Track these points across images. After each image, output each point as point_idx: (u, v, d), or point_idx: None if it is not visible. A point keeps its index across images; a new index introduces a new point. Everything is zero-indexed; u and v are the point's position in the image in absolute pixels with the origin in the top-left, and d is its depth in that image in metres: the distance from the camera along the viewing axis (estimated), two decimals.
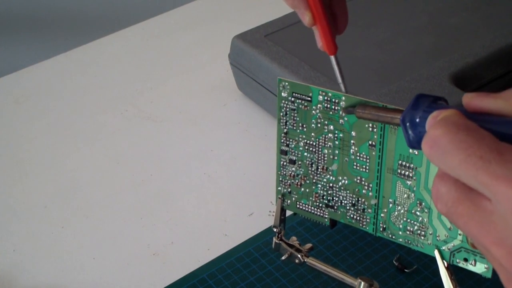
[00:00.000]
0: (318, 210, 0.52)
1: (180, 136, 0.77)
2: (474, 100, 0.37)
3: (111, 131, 0.78)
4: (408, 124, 0.39)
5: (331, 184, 0.51)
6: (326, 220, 0.52)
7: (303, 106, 0.50)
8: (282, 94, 0.51)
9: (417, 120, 0.39)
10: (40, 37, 2.02)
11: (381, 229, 0.50)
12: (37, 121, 0.80)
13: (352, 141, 0.49)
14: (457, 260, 0.46)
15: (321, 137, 0.50)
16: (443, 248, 0.47)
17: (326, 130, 0.50)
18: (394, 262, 0.61)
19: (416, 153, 0.46)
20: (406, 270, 0.61)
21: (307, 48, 0.76)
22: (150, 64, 0.88)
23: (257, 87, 0.77)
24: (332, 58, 0.52)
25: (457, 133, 0.35)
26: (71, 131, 0.79)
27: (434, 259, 0.47)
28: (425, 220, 0.47)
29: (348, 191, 0.50)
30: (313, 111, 0.50)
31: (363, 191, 0.50)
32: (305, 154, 0.51)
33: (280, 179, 0.53)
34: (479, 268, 0.46)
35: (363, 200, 0.50)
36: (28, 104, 0.83)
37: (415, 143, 0.39)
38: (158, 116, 0.80)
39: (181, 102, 0.82)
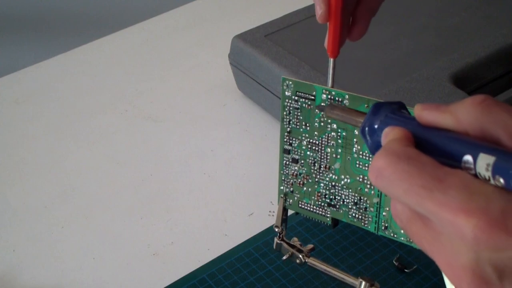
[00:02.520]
0: (320, 209, 0.52)
1: (180, 136, 0.77)
2: (424, 113, 0.37)
3: (111, 131, 0.78)
4: (367, 135, 0.40)
5: (333, 183, 0.51)
6: (328, 219, 0.52)
7: (306, 105, 0.50)
8: (286, 93, 0.51)
9: (376, 126, 0.40)
10: (40, 37, 2.02)
11: (383, 228, 0.50)
12: (37, 121, 0.80)
13: (355, 140, 0.49)
14: None
15: (324, 136, 0.50)
16: None
17: (329, 129, 0.50)
18: (394, 262, 0.61)
19: None
20: (406, 270, 0.61)
21: (307, 48, 0.76)
22: (150, 64, 0.88)
23: (257, 87, 0.77)
24: (331, 60, 0.51)
25: (398, 163, 0.35)
26: (71, 131, 0.79)
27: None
28: None
29: (350, 190, 0.50)
30: (317, 110, 0.50)
31: (365, 189, 0.50)
32: (308, 153, 0.51)
33: (283, 178, 0.53)
34: None
35: (365, 198, 0.50)
36: (28, 104, 0.83)
37: (374, 150, 0.40)
38: (158, 116, 0.80)
39: (181, 102, 0.82)
